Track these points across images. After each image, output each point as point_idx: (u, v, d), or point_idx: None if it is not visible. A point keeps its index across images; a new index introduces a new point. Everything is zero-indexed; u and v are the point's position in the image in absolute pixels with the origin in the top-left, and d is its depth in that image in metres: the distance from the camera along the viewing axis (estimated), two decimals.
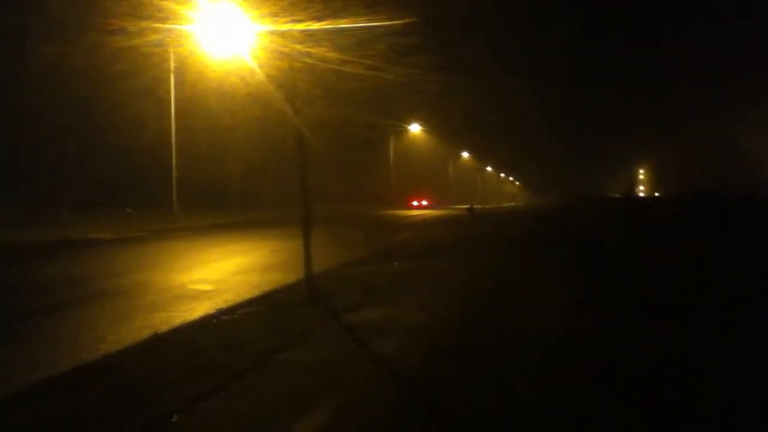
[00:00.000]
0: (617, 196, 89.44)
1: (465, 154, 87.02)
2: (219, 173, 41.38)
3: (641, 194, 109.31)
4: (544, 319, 6.46)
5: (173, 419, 3.90)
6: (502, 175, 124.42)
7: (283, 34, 8.79)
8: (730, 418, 3.84)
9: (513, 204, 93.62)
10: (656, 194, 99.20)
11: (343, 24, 9.87)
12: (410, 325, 6.37)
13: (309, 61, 9.44)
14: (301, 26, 8.74)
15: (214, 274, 10.96)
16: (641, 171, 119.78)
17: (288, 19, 9.03)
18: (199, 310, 7.58)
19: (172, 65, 26.46)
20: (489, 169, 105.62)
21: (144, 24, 12.09)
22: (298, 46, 8.70)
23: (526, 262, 12.03)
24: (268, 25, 9.17)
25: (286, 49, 8.50)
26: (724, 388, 4.34)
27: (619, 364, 4.86)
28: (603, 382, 4.44)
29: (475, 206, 39.51)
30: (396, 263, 11.81)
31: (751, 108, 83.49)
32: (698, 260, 11.29)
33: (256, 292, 8.67)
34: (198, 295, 8.71)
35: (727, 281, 9.01)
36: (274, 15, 9.39)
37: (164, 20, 11.67)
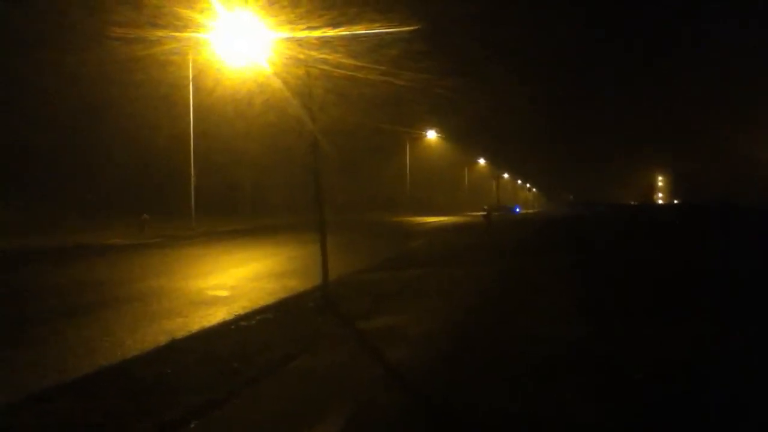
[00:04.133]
0: (634, 203, 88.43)
1: (481, 161, 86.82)
2: (233, 180, 41.67)
3: (660, 201, 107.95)
4: (552, 327, 6.45)
5: (188, 425, 3.89)
6: (519, 181, 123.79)
7: (299, 41, 8.83)
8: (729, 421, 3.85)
9: (529, 211, 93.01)
10: (675, 201, 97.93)
11: (358, 30, 9.91)
12: (421, 332, 6.38)
13: (325, 67, 9.48)
14: (318, 33, 8.79)
15: (231, 281, 10.99)
16: (660, 178, 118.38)
17: (304, 26, 9.09)
18: (216, 316, 7.61)
19: (190, 73, 26.87)
20: (506, 175, 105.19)
21: (162, 32, 12.25)
22: (315, 53, 8.74)
23: (535, 270, 11.89)
24: (285, 33, 9.23)
25: (302, 56, 8.55)
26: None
27: (623, 370, 4.85)
28: (609, 388, 4.43)
29: (493, 212, 39.21)
30: (409, 270, 11.75)
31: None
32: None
33: (271, 299, 8.69)
34: (215, 302, 8.74)
35: None
36: (291, 22, 9.45)
37: (182, 29, 11.81)
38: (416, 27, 11.77)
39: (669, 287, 9.16)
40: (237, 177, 42.61)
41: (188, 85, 27.33)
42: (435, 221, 40.96)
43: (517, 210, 67.67)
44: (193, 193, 28.58)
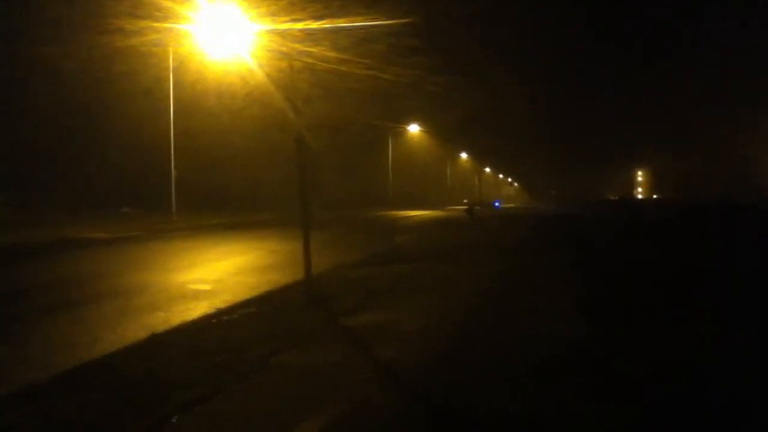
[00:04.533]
0: (614, 198, 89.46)
1: (463, 155, 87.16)
2: (218, 174, 41.29)
3: (639, 197, 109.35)
4: (544, 325, 6.39)
5: (170, 421, 3.84)
6: (501, 176, 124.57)
7: (282, 34, 8.76)
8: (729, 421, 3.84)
9: (512, 205, 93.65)
10: (655, 196, 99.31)
11: (343, 23, 9.85)
12: (410, 329, 6.28)
13: (309, 60, 9.42)
14: (300, 25, 8.73)
15: (213, 274, 10.90)
16: (639, 173, 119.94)
17: (287, 18, 9.01)
18: (197, 310, 7.51)
19: (171, 64, 26.58)
20: (487, 170, 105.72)
21: (143, 24, 12.07)
22: (298, 46, 8.68)
23: (525, 266, 11.94)
24: (268, 25, 9.15)
25: (285, 49, 8.48)
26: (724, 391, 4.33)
27: (623, 370, 4.82)
28: (604, 387, 4.40)
29: (475, 207, 39.46)
30: (395, 265, 11.75)
31: (755, 115, 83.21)
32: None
33: (254, 293, 8.60)
34: (196, 296, 8.65)
35: None
36: (273, 14, 9.37)
37: (163, 20, 11.64)
38: (406, 21, 11.72)
39: (668, 287, 9.18)
40: (224, 171, 42.22)
41: (177, 78, 27.11)
42: (418, 215, 41.07)
43: (497, 205, 67.33)
44: (174, 186, 28.35)
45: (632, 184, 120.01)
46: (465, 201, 38.83)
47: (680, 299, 8.08)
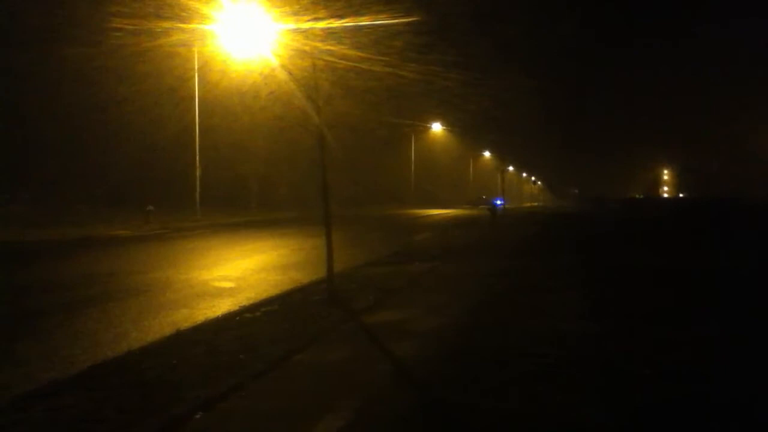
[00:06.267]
0: (639, 196, 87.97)
1: (486, 154, 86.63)
2: (239, 172, 41.63)
3: (665, 195, 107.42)
4: (549, 325, 6.38)
5: (193, 418, 3.89)
6: (524, 174, 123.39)
7: (305, 33, 8.77)
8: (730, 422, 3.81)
9: (534, 204, 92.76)
10: (681, 195, 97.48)
11: (364, 21, 9.83)
12: (427, 327, 6.35)
13: (330, 59, 9.43)
14: (323, 24, 8.72)
15: (236, 272, 11.01)
16: (666, 171, 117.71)
17: (310, 17, 9.02)
18: (221, 307, 7.62)
19: (196, 64, 26.86)
20: (511, 168, 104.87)
21: (168, 24, 12.22)
22: (320, 44, 8.68)
23: (531, 266, 11.80)
24: (290, 24, 9.18)
25: (308, 48, 8.49)
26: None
27: (626, 369, 4.80)
28: (619, 388, 4.38)
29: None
30: (414, 264, 11.72)
31: None
32: None
33: (276, 291, 8.69)
34: (220, 293, 8.76)
35: None
36: (296, 13, 9.39)
37: (187, 20, 11.77)
38: (421, 18, 11.68)
39: (674, 288, 9.05)
40: (244, 170, 42.58)
41: (193, 77, 27.36)
42: (437, 213, 40.94)
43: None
44: (198, 185, 28.66)
45: (658, 182, 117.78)
46: (483, 196, 39.00)
47: (680, 299, 7.98)
